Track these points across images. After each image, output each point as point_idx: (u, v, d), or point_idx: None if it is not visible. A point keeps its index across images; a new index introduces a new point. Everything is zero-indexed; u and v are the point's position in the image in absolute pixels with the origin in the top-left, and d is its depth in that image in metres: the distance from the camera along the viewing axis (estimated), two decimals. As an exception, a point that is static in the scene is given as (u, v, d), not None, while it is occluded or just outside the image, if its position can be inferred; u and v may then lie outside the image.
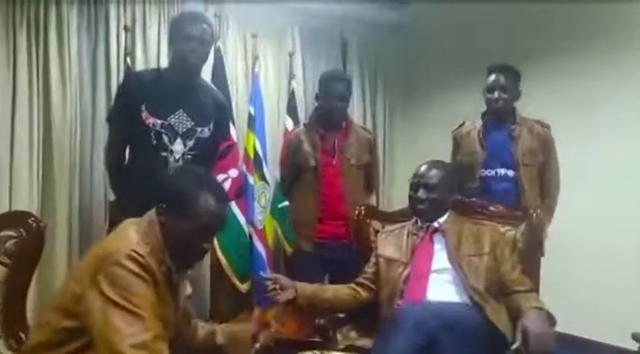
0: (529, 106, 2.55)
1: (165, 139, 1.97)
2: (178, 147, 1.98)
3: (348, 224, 2.39)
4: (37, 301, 2.53)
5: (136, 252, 1.21)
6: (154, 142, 1.96)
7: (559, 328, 2.77)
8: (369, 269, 1.93)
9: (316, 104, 2.53)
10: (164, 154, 1.96)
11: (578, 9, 2.98)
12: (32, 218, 1.59)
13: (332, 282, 2.54)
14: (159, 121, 1.96)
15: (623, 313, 2.65)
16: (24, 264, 1.56)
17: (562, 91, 3.08)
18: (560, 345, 2.39)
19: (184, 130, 1.99)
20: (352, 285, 1.93)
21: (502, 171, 2.40)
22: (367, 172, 2.56)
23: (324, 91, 2.43)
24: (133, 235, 1.28)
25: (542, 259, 1.99)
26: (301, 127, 2.57)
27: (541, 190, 2.44)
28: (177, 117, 1.99)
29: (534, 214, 1.95)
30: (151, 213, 1.34)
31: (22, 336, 1.53)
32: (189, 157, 2.01)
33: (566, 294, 2.82)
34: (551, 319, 1.62)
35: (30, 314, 1.60)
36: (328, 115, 2.43)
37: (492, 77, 2.40)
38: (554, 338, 1.54)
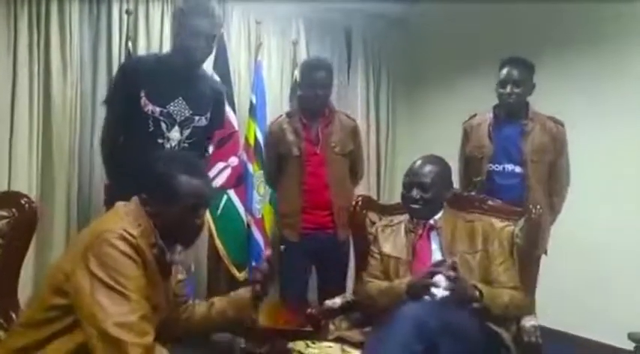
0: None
1: (163, 126, 1.96)
2: (175, 135, 1.98)
3: (332, 214, 2.38)
4: (34, 283, 2.54)
5: (127, 232, 1.22)
6: (152, 128, 1.96)
7: (558, 326, 2.80)
8: (375, 262, 1.89)
9: (298, 93, 2.49)
10: (160, 140, 1.96)
11: (588, 7, 2.94)
12: (25, 198, 1.59)
13: (318, 273, 2.55)
14: (158, 109, 1.95)
15: (620, 313, 2.64)
16: (16, 244, 1.56)
17: (568, 88, 3.04)
18: (557, 343, 2.39)
19: (182, 118, 1.99)
20: (370, 279, 1.88)
21: (510, 166, 2.34)
22: (352, 161, 2.52)
23: (305, 79, 2.39)
24: (124, 216, 1.29)
25: (541, 258, 1.98)
26: (283, 116, 2.52)
27: (549, 188, 2.38)
28: (176, 105, 1.98)
29: (534, 210, 1.93)
30: (135, 199, 1.34)
31: (13, 315, 1.53)
32: (186, 145, 2.01)
33: (563, 293, 2.82)
34: (474, 297, 1.62)
35: (28, 296, 1.59)
36: (310, 104, 2.39)
37: (505, 70, 2.32)
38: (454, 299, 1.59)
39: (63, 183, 2.81)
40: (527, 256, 1.92)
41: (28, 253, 1.61)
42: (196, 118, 2.02)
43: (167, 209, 1.31)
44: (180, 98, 1.99)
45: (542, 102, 2.43)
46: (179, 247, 1.37)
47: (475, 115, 2.53)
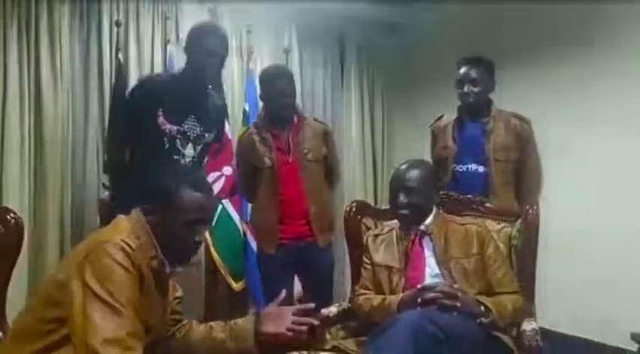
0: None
1: (178, 143, 2.05)
2: (189, 151, 2.08)
3: (310, 222, 2.34)
4: (28, 300, 2.50)
5: (125, 243, 1.20)
6: (167, 146, 2.03)
7: (560, 328, 2.76)
8: (367, 273, 1.86)
9: (262, 103, 2.45)
10: (176, 157, 2.05)
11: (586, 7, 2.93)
12: (10, 214, 1.56)
13: (301, 282, 2.51)
14: (175, 127, 2.04)
15: (622, 314, 2.60)
16: (2, 261, 1.53)
17: (568, 88, 3.02)
18: (558, 345, 2.34)
19: (195, 135, 2.09)
20: (363, 291, 1.84)
21: (473, 166, 2.30)
22: (328, 166, 2.47)
23: (266, 89, 2.35)
24: (125, 228, 1.28)
25: (541, 259, 1.94)
26: (251, 127, 2.48)
27: (518, 189, 2.31)
28: (189, 123, 2.07)
29: (530, 211, 1.91)
30: (136, 211, 1.33)
31: (1, 334, 1.50)
32: (197, 159, 2.11)
33: (565, 294, 2.78)
34: (480, 312, 1.59)
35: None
36: (276, 113, 2.35)
37: (462, 70, 2.31)
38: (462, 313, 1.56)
39: (56, 198, 2.78)
40: (527, 258, 1.89)
41: (20, 271, 1.59)
42: (206, 134, 2.13)
43: (168, 222, 1.30)
44: (192, 116, 2.08)
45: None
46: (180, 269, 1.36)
47: (442, 117, 2.52)
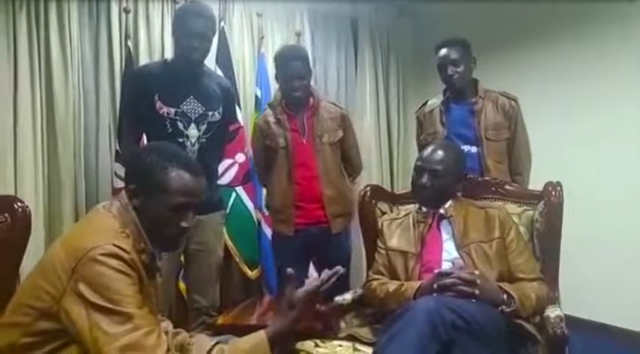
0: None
1: (180, 125, 2.06)
2: (193, 132, 2.08)
3: (324, 206, 2.30)
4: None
5: (118, 247, 1.10)
6: (170, 129, 2.06)
7: (580, 314, 2.67)
8: (381, 258, 1.80)
9: (278, 84, 2.41)
10: (181, 139, 2.06)
11: None
12: (18, 203, 1.54)
13: (317, 269, 2.47)
14: (172, 110, 2.06)
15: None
16: (9, 250, 1.52)
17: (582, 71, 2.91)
18: (585, 332, 2.25)
19: (196, 115, 2.10)
20: (376, 276, 1.79)
21: (465, 148, 2.23)
22: (345, 150, 2.41)
23: (281, 70, 2.31)
24: (111, 226, 1.17)
25: (565, 243, 1.86)
26: (267, 108, 2.44)
27: (510, 167, 2.28)
28: (188, 104, 2.09)
29: (554, 192, 1.82)
30: (121, 196, 1.24)
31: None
32: (204, 140, 2.11)
33: (592, 279, 2.68)
34: (502, 301, 1.51)
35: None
36: (290, 95, 2.31)
37: (441, 53, 2.27)
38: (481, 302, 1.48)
39: (70, 185, 2.76)
40: (550, 242, 1.81)
41: (34, 263, 1.54)
42: (209, 113, 2.12)
43: (152, 204, 1.21)
44: (192, 97, 2.09)
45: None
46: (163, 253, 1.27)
47: (426, 102, 2.46)
